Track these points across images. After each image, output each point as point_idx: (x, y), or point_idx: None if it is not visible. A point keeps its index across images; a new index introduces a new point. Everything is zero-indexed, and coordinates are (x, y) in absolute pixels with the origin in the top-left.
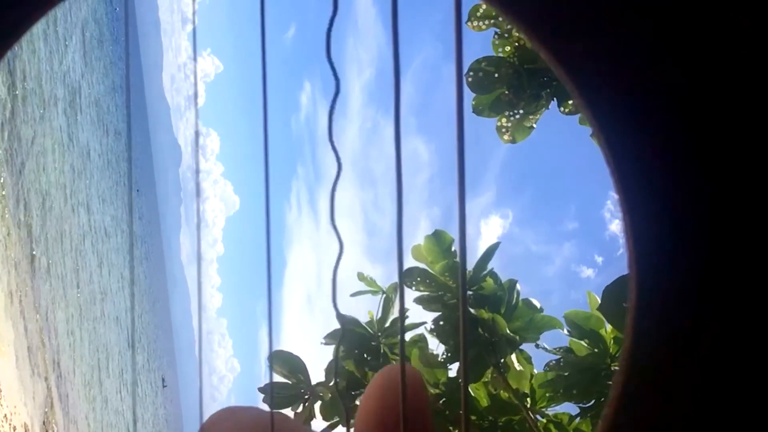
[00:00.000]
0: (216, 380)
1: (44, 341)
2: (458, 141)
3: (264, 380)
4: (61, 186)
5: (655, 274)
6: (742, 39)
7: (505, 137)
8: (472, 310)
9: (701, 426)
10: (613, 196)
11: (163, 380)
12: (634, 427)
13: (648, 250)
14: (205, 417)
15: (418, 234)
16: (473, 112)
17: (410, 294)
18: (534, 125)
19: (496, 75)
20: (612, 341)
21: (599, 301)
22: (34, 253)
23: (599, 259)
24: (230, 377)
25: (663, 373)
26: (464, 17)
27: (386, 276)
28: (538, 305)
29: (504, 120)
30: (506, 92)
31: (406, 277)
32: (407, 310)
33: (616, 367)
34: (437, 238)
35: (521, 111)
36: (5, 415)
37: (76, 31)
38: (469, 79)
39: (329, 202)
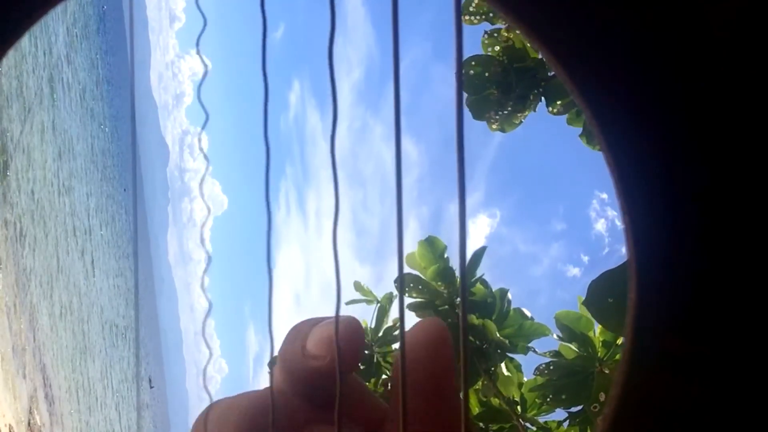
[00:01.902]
0: (203, 381)
1: (30, 340)
2: (458, 142)
3: (252, 382)
4: (47, 184)
5: (655, 273)
6: (743, 39)
7: (494, 126)
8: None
9: (703, 425)
10: (599, 195)
11: (150, 381)
12: (634, 426)
13: (648, 250)
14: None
15: (406, 234)
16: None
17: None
18: (522, 120)
19: (486, 74)
20: (600, 344)
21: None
22: (20, 251)
23: (585, 258)
24: (218, 378)
25: (664, 373)
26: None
27: (375, 276)
28: (529, 314)
29: (492, 113)
30: (494, 92)
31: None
32: (398, 321)
33: (606, 371)
34: (430, 244)
35: (509, 109)
36: None
37: (63, 25)
38: (462, 72)
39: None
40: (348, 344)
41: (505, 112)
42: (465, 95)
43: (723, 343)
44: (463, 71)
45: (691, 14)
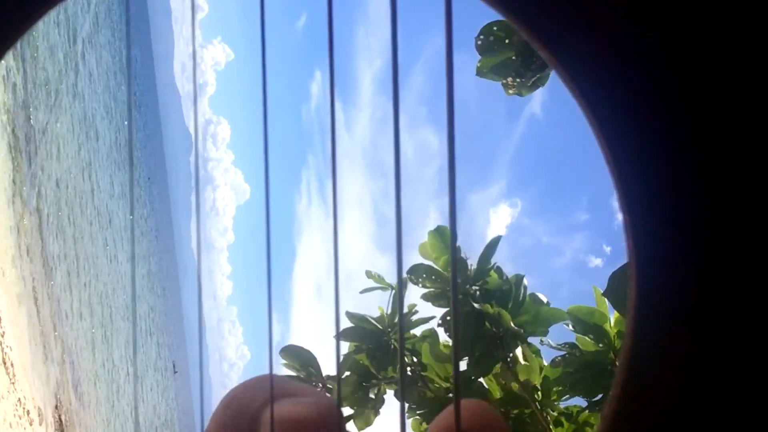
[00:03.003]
0: (226, 367)
1: (57, 326)
2: (449, 131)
3: (274, 368)
4: (73, 172)
5: (655, 273)
6: (742, 39)
7: (510, 91)
8: (477, 305)
9: (704, 424)
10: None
11: (174, 366)
12: (635, 426)
13: (648, 250)
14: (213, 405)
15: (428, 224)
16: (476, 74)
17: (417, 291)
18: (540, 84)
19: (507, 41)
20: (616, 336)
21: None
22: (46, 238)
23: (607, 249)
24: (240, 365)
25: (664, 372)
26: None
27: (395, 266)
28: (545, 299)
29: (510, 79)
30: (514, 57)
31: (413, 274)
32: (415, 305)
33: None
34: (440, 234)
35: (529, 76)
36: (19, 399)
37: (88, 13)
38: (479, 42)
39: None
40: None
41: (524, 80)
42: (479, 58)
43: (723, 343)
44: (484, 36)
45: (690, 16)
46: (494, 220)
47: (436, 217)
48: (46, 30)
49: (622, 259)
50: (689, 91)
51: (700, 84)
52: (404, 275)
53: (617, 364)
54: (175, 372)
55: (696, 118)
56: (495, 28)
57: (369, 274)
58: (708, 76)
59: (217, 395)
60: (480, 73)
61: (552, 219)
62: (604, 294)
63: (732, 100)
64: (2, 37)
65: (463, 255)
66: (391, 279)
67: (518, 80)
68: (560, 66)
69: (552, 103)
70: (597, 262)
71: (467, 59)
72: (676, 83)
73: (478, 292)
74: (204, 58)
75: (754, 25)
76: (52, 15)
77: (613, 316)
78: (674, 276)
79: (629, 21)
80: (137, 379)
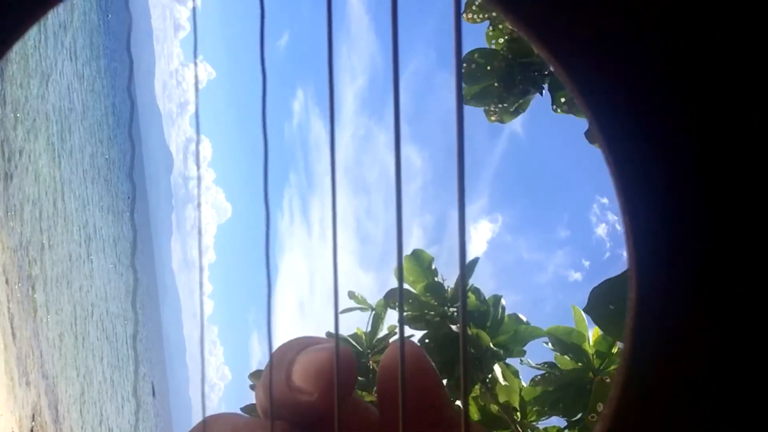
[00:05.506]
0: (207, 388)
1: (33, 348)
2: (458, 148)
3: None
4: (52, 193)
5: (655, 274)
6: (742, 40)
7: (493, 118)
8: (455, 328)
9: (704, 425)
10: (600, 200)
11: (152, 388)
12: (635, 427)
13: (648, 251)
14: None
15: (410, 242)
16: (463, 102)
17: (394, 315)
18: (521, 111)
19: (489, 68)
20: (594, 356)
21: (583, 314)
22: (24, 260)
23: (586, 263)
24: (221, 385)
25: (663, 373)
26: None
27: (379, 283)
28: (524, 318)
29: (492, 105)
30: (496, 84)
31: (389, 297)
32: (395, 327)
33: (607, 380)
34: (416, 258)
35: (512, 103)
36: None
37: (68, 37)
38: (462, 71)
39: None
40: (340, 376)
41: (506, 104)
42: (464, 86)
43: (723, 343)
44: (466, 64)
45: (692, 15)
46: (475, 236)
47: (418, 234)
48: (22, 43)
49: (601, 273)
50: (690, 92)
51: (701, 84)
52: (382, 298)
53: (602, 379)
54: (154, 395)
55: (697, 119)
56: (476, 56)
57: (351, 295)
58: (709, 77)
59: (197, 417)
60: (465, 100)
61: (533, 235)
62: (585, 310)
63: (733, 100)
64: (2, 38)
65: (439, 278)
66: (373, 300)
67: (500, 106)
68: (560, 67)
69: (532, 121)
70: (576, 276)
71: (451, 77)
72: (677, 83)
73: (455, 314)
74: (185, 77)
75: (753, 25)
76: (31, 32)
77: (592, 334)
78: (674, 276)
79: (630, 20)
80: (139, 401)
